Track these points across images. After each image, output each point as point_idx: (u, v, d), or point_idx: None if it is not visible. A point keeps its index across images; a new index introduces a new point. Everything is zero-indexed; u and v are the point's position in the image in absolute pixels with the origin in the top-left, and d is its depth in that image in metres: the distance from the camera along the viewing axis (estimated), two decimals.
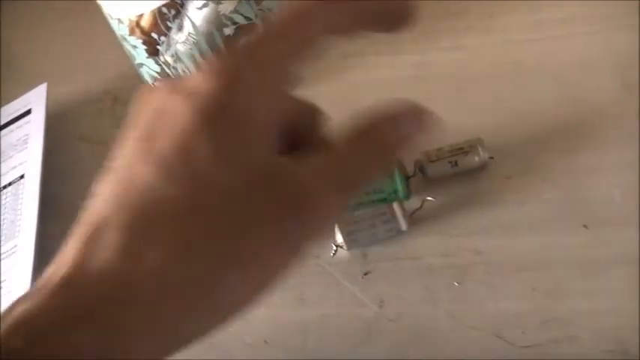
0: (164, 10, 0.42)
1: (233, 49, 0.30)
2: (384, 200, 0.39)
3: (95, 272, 0.23)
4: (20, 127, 0.51)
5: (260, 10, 0.45)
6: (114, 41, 0.49)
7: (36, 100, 0.51)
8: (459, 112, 0.44)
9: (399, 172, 0.39)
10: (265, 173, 0.26)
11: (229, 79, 0.27)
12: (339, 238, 0.38)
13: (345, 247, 0.38)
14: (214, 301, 0.25)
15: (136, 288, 0.23)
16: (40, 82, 0.54)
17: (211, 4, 0.42)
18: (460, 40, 0.48)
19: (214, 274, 0.24)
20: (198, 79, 0.26)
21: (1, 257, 0.43)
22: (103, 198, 0.25)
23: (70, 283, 0.23)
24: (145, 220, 0.24)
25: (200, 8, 0.42)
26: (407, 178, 0.40)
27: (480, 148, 0.40)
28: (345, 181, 0.28)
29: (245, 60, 0.28)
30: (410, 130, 0.30)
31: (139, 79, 0.50)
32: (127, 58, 0.49)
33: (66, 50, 0.59)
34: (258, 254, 0.25)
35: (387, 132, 0.30)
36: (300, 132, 0.32)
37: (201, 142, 0.25)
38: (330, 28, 0.30)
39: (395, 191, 0.39)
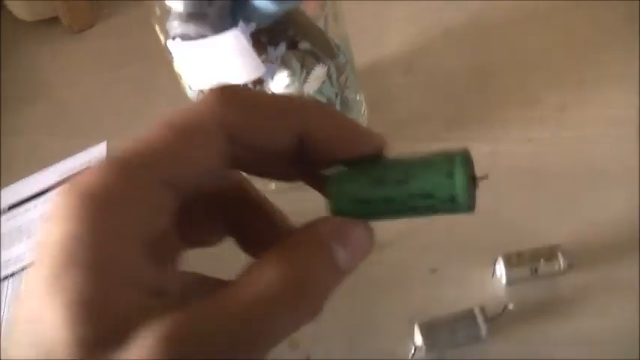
0: (250, 85, 0.41)
1: None
2: (431, 208, 0.22)
3: None
4: None
5: (339, 86, 0.44)
6: (175, 97, 0.48)
7: (96, 158, 0.50)
8: (533, 211, 0.43)
9: (463, 168, 0.22)
10: None
11: None
12: (418, 339, 0.37)
13: (423, 350, 0.37)
14: None
15: None
16: (96, 135, 0.52)
17: (297, 84, 0.42)
18: (531, 132, 0.48)
19: None
20: None
21: None
22: None
23: None
24: None
25: (286, 87, 0.41)
26: (474, 180, 0.23)
27: (560, 256, 0.39)
28: None
29: None
30: None
31: None
32: None
33: (124, 104, 0.58)
34: None
35: None
36: None
37: None
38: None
39: (452, 198, 0.22)
